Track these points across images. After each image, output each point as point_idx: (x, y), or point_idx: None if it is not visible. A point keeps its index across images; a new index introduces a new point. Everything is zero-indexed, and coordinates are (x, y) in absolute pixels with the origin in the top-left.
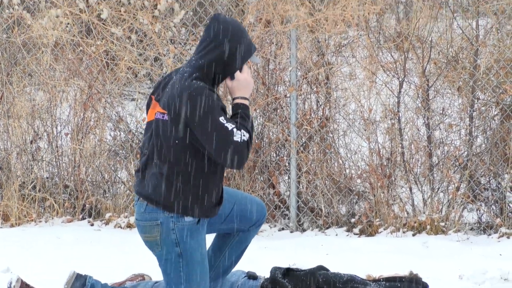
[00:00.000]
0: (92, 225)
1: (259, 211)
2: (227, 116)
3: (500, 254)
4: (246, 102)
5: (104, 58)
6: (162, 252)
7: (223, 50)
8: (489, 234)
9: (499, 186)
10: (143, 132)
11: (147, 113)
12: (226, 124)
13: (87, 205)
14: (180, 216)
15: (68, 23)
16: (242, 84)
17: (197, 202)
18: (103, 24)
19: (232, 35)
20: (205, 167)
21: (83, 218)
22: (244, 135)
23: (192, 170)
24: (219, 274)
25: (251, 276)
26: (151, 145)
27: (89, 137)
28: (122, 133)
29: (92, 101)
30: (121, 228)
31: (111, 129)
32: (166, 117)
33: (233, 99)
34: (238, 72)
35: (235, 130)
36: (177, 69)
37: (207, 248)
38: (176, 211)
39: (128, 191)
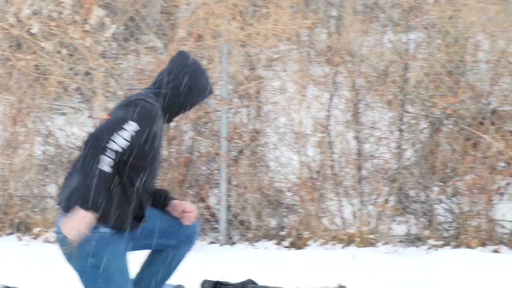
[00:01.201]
0: (20, 240)
1: (189, 227)
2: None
3: (429, 266)
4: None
5: (34, 73)
6: (79, 265)
7: (180, 84)
8: (418, 246)
9: (427, 198)
10: (73, 146)
11: None
12: (122, 137)
13: (15, 220)
14: (96, 227)
15: None
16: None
17: (112, 211)
18: (34, 38)
19: (192, 73)
20: (123, 175)
21: (11, 233)
22: (103, 165)
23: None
24: None
25: None
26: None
27: (19, 152)
28: (51, 147)
29: (22, 116)
30: (50, 243)
31: (40, 143)
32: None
33: None
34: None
35: (115, 146)
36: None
37: (141, 265)
38: None
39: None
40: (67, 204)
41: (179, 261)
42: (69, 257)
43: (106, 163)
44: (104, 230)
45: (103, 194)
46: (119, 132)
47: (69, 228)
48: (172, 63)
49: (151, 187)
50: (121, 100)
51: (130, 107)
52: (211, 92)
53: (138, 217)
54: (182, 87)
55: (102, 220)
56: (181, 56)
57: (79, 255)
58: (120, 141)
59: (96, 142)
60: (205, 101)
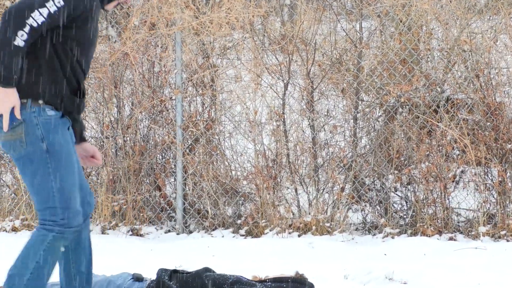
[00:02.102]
0: None
1: (91, 201)
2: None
3: (385, 254)
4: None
5: None
6: (26, 151)
7: None
8: (374, 234)
9: (383, 186)
10: None
11: None
12: (42, 14)
13: None
14: (42, 110)
15: None
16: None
17: (46, 85)
18: None
19: None
20: (55, 46)
21: None
22: (19, 40)
23: (43, 50)
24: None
25: (137, 278)
26: None
27: None
28: None
29: None
30: (6, 232)
31: None
32: None
33: None
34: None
35: (33, 22)
36: None
37: (60, 267)
38: (30, 95)
39: (13, 195)
40: None
41: (88, 244)
42: (14, 144)
43: (22, 38)
44: (51, 113)
45: (22, 68)
46: (40, 9)
47: None
48: None
49: (86, 67)
50: None
51: None
52: None
53: (77, 94)
54: None
55: (34, 96)
56: None
57: (29, 141)
58: (39, 17)
59: (14, 16)
60: None
